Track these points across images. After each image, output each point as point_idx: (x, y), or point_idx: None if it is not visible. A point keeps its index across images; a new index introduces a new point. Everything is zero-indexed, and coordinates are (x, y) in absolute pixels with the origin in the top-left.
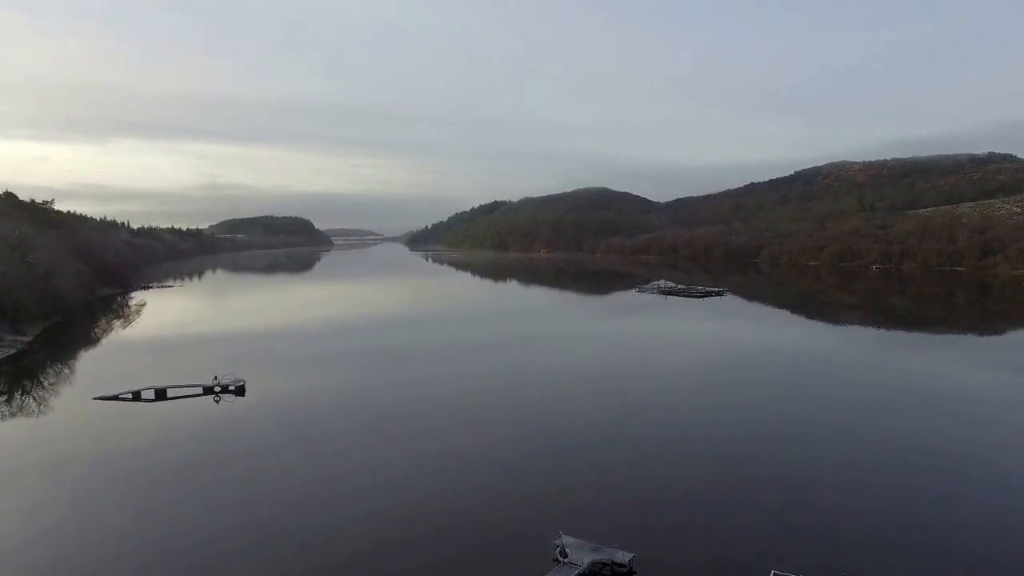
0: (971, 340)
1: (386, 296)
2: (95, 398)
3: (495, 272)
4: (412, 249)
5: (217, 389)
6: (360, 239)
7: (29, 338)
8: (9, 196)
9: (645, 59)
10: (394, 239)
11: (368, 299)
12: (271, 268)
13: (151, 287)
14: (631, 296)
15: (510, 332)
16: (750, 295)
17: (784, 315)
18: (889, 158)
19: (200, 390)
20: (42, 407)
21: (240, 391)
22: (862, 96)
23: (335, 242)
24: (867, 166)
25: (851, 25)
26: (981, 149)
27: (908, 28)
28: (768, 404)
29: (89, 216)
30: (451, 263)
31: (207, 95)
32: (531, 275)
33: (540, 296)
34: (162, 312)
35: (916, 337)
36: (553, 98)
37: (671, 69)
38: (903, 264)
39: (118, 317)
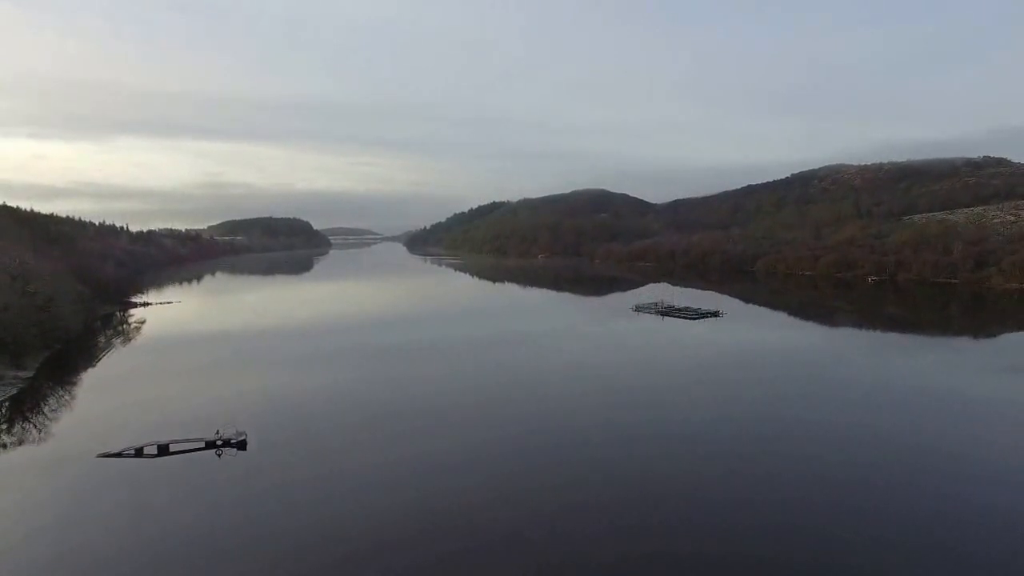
0: (964, 344)
1: (384, 301)
2: (99, 455)
3: (493, 275)
4: (411, 251)
5: (219, 443)
6: (359, 238)
7: (31, 373)
8: (7, 209)
9: (645, 59)
10: (393, 238)
11: (366, 306)
12: (269, 271)
13: (151, 304)
14: (627, 315)
15: (510, 340)
16: (749, 311)
17: (783, 317)
18: (885, 161)
19: (202, 444)
20: (47, 467)
21: (242, 445)
22: (861, 96)
23: (334, 242)
24: (863, 169)
25: (852, 24)
26: (977, 152)
27: (908, 28)
28: (777, 411)
29: (88, 221)
30: (451, 267)
31: (207, 93)
32: (530, 280)
33: (538, 303)
34: (163, 334)
35: (910, 341)
36: (553, 98)
37: (671, 69)
38: (898, 275)
39: (118, 340)
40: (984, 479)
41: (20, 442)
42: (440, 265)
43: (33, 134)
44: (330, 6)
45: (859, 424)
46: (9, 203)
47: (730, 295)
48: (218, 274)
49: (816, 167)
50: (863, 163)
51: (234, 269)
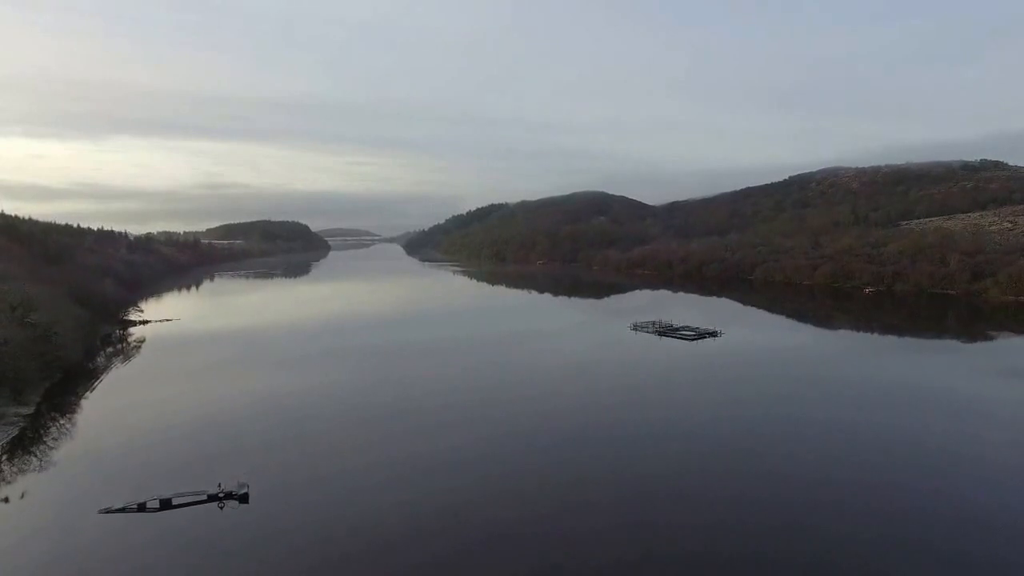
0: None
1: (385, 312)
2: (101, 511)
3: (493, 280)
4: (409, 254)
5: (221, 495)
6: (357, 239)
7: (31, 408)
8: (6, 224)
9: (645, 57)
10: (391, 239)
11: (366, 314)
12: (267, 277)
13: (150, 321)
14: (625, 333)
15: (507, 342)
16: (747, 328)
17: (782, 334)
18: (882, 164)
19: (204, 496)
20: (51, 526)
21: (244, 498)
22: (861, 94)
23: (332, 243)
24: (860, 172)
25: (852, 23)
26: (974, 155)
27: (908, 28)
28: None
29: (87, 228)
30: (449, 273)
31: (205, 92)
32: (529, 286)
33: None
34: (162, 357)
35: (910, 351)
36: (552, 97)
37: (671, 67)
38: (895, 285)
39: (117, 364)
40: (984, 479)
41: (22, 495)
42: (439, 270)
43: (28, 132)
44: (329, 5)
45: (858, 426)
46: (8, 204)
47: (728, 308)
48: (217, 282)
49: (813, 170)
50: (860, 166)
51: (232, 276)
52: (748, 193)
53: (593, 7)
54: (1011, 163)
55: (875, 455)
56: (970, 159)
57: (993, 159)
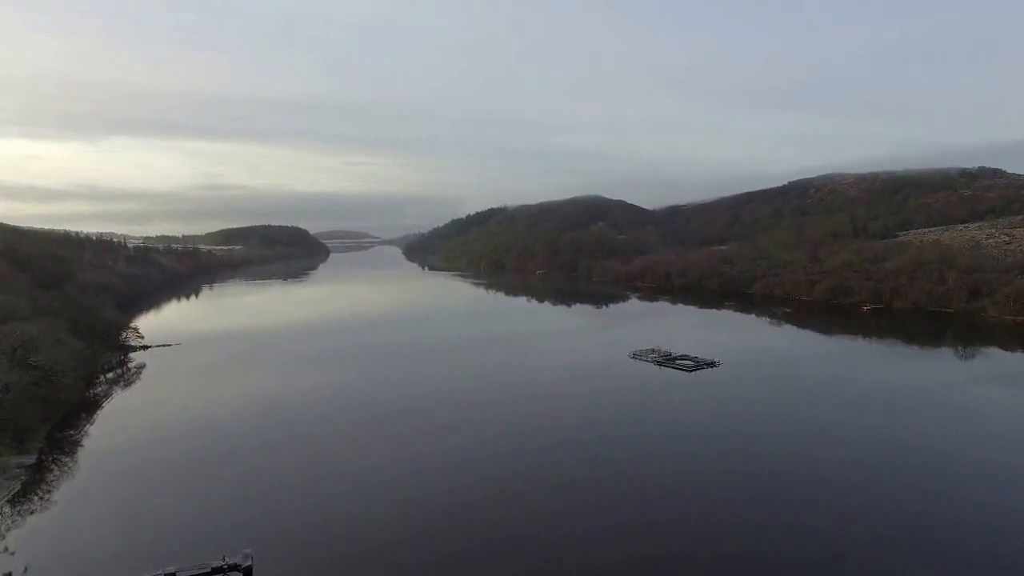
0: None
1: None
2: None
3: (496, 286)
4: (409, 258)
5: (225, 567)
6: (356, 242)
7: (33, 458)
8: (7, 243)
9: (646, 58)
10: (391, 242)
11: (373, 329)
12: (266, 285)
13: (150, 347)
14: (624, 361)
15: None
16: (746, 350)
17: (783, 358)
18: (881, 171)
19: (208, 570)
20: None
21: (248, 571)
22: (861, 94)
23: (331, 246)
24: (859, 179)
25: (853, 22)
26: (973, 160)
27: (910, 27)
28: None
29: (86, 236)
30: (450, 280)
31: (205, 93)
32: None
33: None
34: (162, 389)
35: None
36: (552, 97)
37: (672, 66)
38: (894, 303)
39: (117, 394)
40: (984, 480)
41: (25, 569)
42: (439, 277)
43: (26, 133)
44: (329, 5)
45: (857, 428)
46: (6, 206)
47: (728, 326)
48: (216, 291)
49: (812, 175)
50: (859, 171)
51: (233, 285)
52: (747, 199)
53: (593, 7)
54: (1009, 171)
55: (878, 459)
56: (968, 166)
57: (991, 167)
